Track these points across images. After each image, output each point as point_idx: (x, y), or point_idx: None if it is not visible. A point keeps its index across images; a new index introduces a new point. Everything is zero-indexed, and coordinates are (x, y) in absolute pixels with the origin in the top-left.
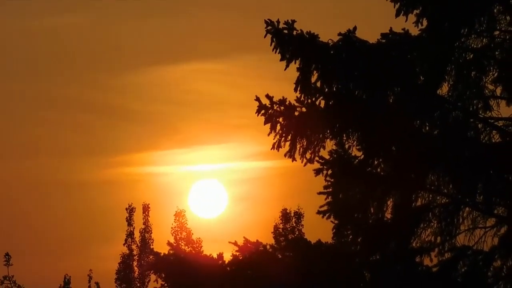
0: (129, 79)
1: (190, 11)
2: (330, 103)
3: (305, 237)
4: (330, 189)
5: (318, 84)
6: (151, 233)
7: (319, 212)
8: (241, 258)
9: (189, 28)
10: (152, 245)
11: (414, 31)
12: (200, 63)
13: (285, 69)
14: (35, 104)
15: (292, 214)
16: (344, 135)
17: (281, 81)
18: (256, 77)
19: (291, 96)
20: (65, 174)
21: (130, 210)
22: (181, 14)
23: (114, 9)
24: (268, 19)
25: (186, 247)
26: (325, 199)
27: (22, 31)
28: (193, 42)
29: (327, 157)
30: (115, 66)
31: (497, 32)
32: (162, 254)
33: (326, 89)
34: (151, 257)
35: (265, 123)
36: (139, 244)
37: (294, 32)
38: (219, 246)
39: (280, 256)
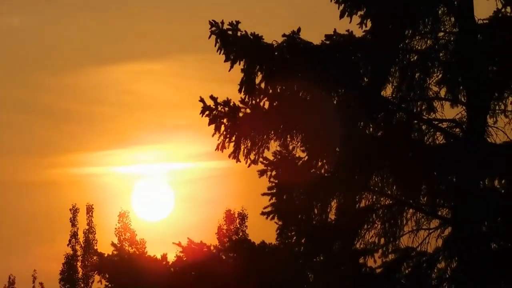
0: (67, 80)
1: (128, 11)
2: (275, 104)
3: (249, 238)
4: (274, 190)
5: (263, 85)
6: (95, 234)
7: (263, 213)
8: (185, 259)
9: (128, 28)
10: (96, 246)
11: (358, 32)
12: (139, 64)
13: (229, 70)
14: None
15: (236, 215)
16: (288, 136)
17: (222, 82)
18: (196, 77)
19: (235, 97)
20: (6, 175)
21: (74, 211)
22: (120, 14)
23: (51, 10)
24: (213, 20)
25: (130, 248)
26: (269, 200)
27: None
28: (132, 42)
29: (271, 158)
30: (54, 67)
31: (441, 34)
32: (106, 255)
33: (271, 90)
34: (95, 258)
35: (209, 124)
36: (83, 245)
37: (239, 33)
38: (163, 247)
39: (224, 257)
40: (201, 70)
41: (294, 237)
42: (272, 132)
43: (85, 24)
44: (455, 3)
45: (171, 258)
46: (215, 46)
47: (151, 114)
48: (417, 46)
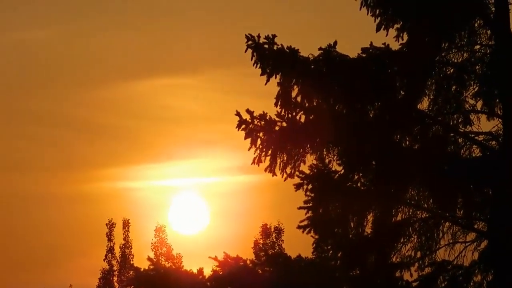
0: (103, 94)
1: (162, 25)
2: (311, 117)
3: (285, 252)
4: (310, 204)
5: (299, 98)
6: (131, 248)
7: (299, 227)
8: (221, 273)
9: (161, 43)
10: (132, 260)
11: (395, 45)
12: (173, 78)
13: (265, 84)
14: (9, 119)
15: (272, 229)
16: (325, 150)
17: (254, 96)
18: (228, 92)
19: (269, 111)
20: (43, 188)
21: (110, 226)
22: (153, 29)
23: (86, 23)
24: (249, 34)
25: (166, 262)
26: (305, 213)
27: None
28: (165, 56)
29: (308, 171)
30: (90, 81)
31: (477, 46)
32: (142, 270)
33: (307, 104)
34: (131, 273)
35: (245, 138)
36: (119, 260)
37: (275, 47)
38: (199, 262)
39: (260, 271)
40: (233, 84)
41: (330, 251)
42: (309, 146)
43: (121, 38)
44: (491, 16)
45: (207, 272)
46: (251, 59)
47: (185, 128)
48: (453, 59)
